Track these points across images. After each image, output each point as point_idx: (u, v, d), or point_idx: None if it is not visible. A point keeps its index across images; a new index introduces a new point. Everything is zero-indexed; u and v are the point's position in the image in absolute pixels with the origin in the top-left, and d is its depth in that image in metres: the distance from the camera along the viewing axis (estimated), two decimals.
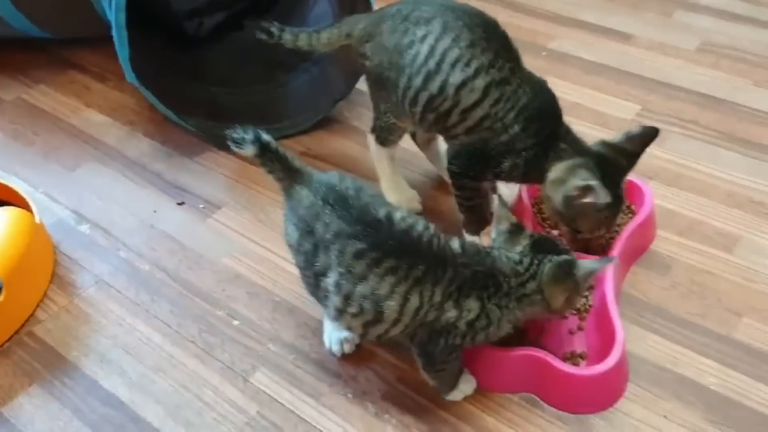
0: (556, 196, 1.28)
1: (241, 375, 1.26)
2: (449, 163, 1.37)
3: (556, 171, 1.29)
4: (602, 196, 1.22)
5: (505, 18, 2.07)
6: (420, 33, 1.28)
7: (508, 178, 1.36)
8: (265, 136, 1.14)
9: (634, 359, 1.24)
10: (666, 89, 1.81)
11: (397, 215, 1.11)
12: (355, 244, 1.07)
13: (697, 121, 1.71)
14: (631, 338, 1.27)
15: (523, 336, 1.26)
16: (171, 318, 1.36)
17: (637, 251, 1.41)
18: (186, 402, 1.22)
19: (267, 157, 1.14)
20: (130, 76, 1.59)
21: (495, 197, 1.21)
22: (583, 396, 1.18)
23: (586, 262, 1.12)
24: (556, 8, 2.14)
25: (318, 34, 1.44)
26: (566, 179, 1.27)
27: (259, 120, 1.78)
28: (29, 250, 1.39)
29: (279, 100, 1.85)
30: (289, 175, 1.15)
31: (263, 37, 1.48)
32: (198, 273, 1.44)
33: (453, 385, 1.20)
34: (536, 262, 1.14)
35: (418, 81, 1.29)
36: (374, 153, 1.52)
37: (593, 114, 1.76)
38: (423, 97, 1.30)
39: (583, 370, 1.18)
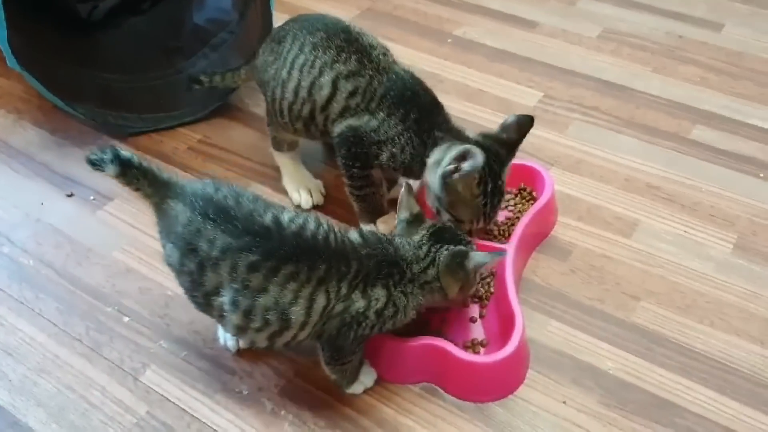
0: (434, 179, 1.26)
1: (130, 374, 1.20)
2: (336, 154, 1.37)
3: (433, 155, 1.28)
4: (478, 158, 1.18)
5: (411, 4, 2.09)
6: (277, 48, 1.39)
7: (393, 169, 1.34)
8: (125, 153, 1.05)
9: (534, 345, 1.24)
10: (568, 76, 1.83)
11: (285, 217, 1.07)
12: (248, 257, 1.02)
13: (598, 108, 1.73)
14: (532, 324, 1.27)
15: (425, 326, 1.24)
16: (57, 316, 1.29)
17: (538, 237, 1.41)
18: (71, 404, 1.16)
19: (131, 174, 1.06)
20: (11, 60, 1.49)
21: (403, 184, 1.18)
22: (482, 384, 1.17)
23: (478, 254, 1.11)
24: None
25: (238, 71, 1.57)
26: (442, 157, 1.25)
27: (155, 108, 1.72)
28: None
29: (176, 86, 1.77)
30: (158, 190, 1.07)
31: (196, 86, 1.61)
32: (87, 268, 1.37)
33: (355, 378, 1.17)
34: (434, 249, 1.12)
35: (278, 92, 1.38)
36: (274, 155, 1.52)
37: (497, 101, 1.75)
38: (285, 106, 1.38)
39: (481, 357, 1.17)
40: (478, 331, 1.25)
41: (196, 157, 1.62)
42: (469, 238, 1.18)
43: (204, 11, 1.87)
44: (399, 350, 1.19)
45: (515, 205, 1.45)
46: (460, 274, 1.12)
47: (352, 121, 1.33)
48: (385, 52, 1.37)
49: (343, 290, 1.06)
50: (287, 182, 1.52)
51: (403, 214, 1.18)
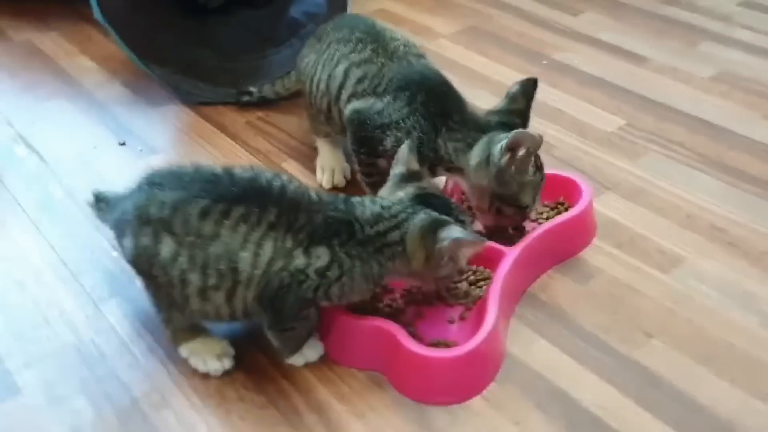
0: (488, 178, 1.18)
1: (93, 301, 1.20)
2: (349, 141, 1.33)
3: (473, 158, 1.20)
4: (536, 136, 1.14)
5: (516, 27, 2.01)
6: (315, 44, 1.41)
7: None
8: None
9: (512, 361, 1.09)
10: (661, 110, 1.64)
11: (238, 170, 1.04)
12: (198, 203, 0.99)
13: (683, 144, 1.53)
14: (517, 339, 1.12)
15: (398, 315, 1.14)
16: (57, 240, 1.33)
17: (559, 254, 1.25)
18: (29, 317, 1.18)
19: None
20: (95, 10, 1.60)
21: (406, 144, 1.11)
22: (428, 382, 1.03)
23: (458, 229, 1.00)
24: (576, 26, 2.01)
25: (288, 76, 1.65)
26: (488, 154, 1.17)
27: (231, 84, 1.76)
28: None
29: (256, 69, 1.81)
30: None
31: (246, 98, 1.71)
32: None
33: (296, 348, 1.09)
34: (409, 211, 1.03)
35: (307, 85, 1.41)
36: (315, 140, 1.51)
37: (571, 121, 1.61)
38: (311, 99, 1.40)
39: (431, 351, 1.04)
40: (452, 333, 1.12)
41: (249, 131, 1.64)
42: (464, 217, 1.07)
43: (302, 4, 1.91)
44: (348, 328, 1.09)
45: (547, 218, 1.30)
46: (429, 241, 1.00)
47: (357, 104, 1.29)
48: (407, 44, 1.33)
49: (288, 243, 1.00)
50: (318, 162, 1.49)
51: (399, 168, 1.10)
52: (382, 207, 1.04)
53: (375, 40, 1.33)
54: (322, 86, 1.36)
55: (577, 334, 1.13)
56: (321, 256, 1.00)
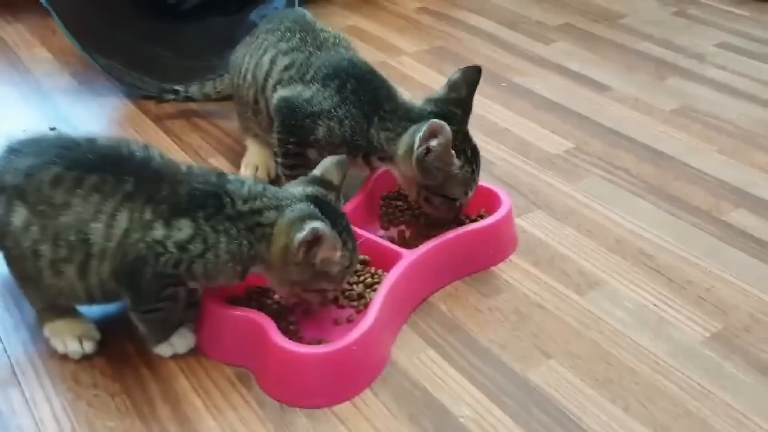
0: (411, 166, 1.13)
1: None
2: (275, 131, 1.26)
3: (400, 147, 1.16)
4: (446, 130, 1.09)
5: (484, 50, 1.96)
6: (249, 41, 1.38)
7: (332, 147, 1.20)
8: None
9: (393, 369, 1.01)
10: (613, 136, 1.57)
11: (103, 139, 1.00)
12: (50, 170, 0.94)
13: (628, 170, 1.45)
14: (405, 348, 1.04)
15: (284, 314, 1.06)
16: None
17: (468, 264, 1.17)
18: None
19: None
20: None
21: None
22: (293, 380, 0.96)
23: (322, 225, 0.92)
24: (546, 54, 1.96)
25: (221, 78, 1.58)
26: (412, 142, 1.13)
27: (179, 81, 1.72)
28: None
29: (210, 69, 1.77)
30: None
31: (171, 97, 1.61)
32: None
33: (164, 336, 1.02)
34: (292, 200, 0.97)
35: (235, 79, 1.38)
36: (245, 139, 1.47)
37: (517, 141, 1.55)
38: (240, 93, 1.36)
39: (295, 345, 0.95)
40: (334, 334, 1.04)
41: (185, 127, 1.60)
42: (348, 238, 0.99)
43: (263, 8, 1.88)
44: (217, 318, 1.02)
45: None
46: (292, 231, 0.93)
47: (284, 92, 1.25)
48: (337, 37, 1.31)
49: (147, 215, 0.93)
50: (244, 159, 1.43)
51: (315, 171, 1.04)
52: (266, 188, 0.99)
53: (304, 29, 1.30)
54: (249, 76, 1.32)
55: (470, 348, 1.04)
56: (183, 228, 0.93)
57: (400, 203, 1.30)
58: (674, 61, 1.93)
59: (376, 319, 0.98)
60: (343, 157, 1.06)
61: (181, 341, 1.02)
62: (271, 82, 1.27)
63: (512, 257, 1.21)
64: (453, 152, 1.11)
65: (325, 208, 0.97)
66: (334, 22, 2.04)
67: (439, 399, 0.97)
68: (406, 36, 2.05)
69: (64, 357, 1.01)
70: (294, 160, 1.26)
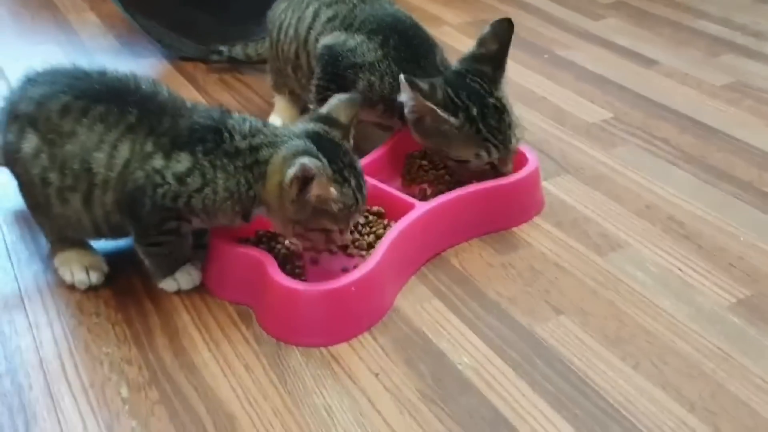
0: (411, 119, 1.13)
1: None
2: (315, 79, 1.25)
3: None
4: (409, 89, 1.07)
5: (532, 25, 1.92)
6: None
7: (369, 103, 1.19)
8: None
9: (396, 315, 0.98)
10: (657, 109, 1.50)
11: (113, 71, 1.01)
12: (59, 99, 0.96)
13: (668, 140, 1.39)
14: (410, 297, 1.02)
15: (290, 258, 1.05)
16: None
17: (487, 223, 1.13)
18: None
19: None
20: None
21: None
22: (291, 317, 0.94)
23: (313, 160, 0.90)
24: (593, 28, 1.90)
25: (263, 41, 1.55)
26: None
27: (219, 41, 1.72)
28: None
29: (250, 33, 1.77)
30: None
31: (215, 57, 1.64)
32: None
33: (168, 271, 1.02)
34: (289, 137, 0.95)
35: (274, 34, 1.35)
36: (274, 96, 1.46)
37: (554, 109, 1.50)
38: (279, 48, 1.33)
39: (294, 282, 0.94)
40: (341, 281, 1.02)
41: (217, 86, 1.61)
42: (350, 174, 0.95)
43: None
44: (220, 255, 1.01)
45: None
46: (285, 168, 0.90)
47: (327, 40, 1.23)
48: None
49: (148, 147, 0.94)
50: (271, 116, 1.43)
51: (323, 108, 1.02)
52: (266, 125, 0.98)
53: None
54: (291, 31, 1.30)
55: (477, 300, 1.01)
56: (182, 161, 0.93)
57: (424, 162, 1.27)
58: (731, 38, 1.84)
59: (378, 264, 0.96)
60: (354, 95, 1.04)
61: (185, 277, 1.02)
62: (313, 34, 1.25)
63: (536, 220, 1.17)
64: (445, 115, 1.08)
65: (325, 145, 0.95)
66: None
67: (438, 346, 0.94)
68: (449, 7, 2.01)
69: (71, 287, 1.03)
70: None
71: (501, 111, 1.12)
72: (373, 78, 1.18)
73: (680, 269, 1.06)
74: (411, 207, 1.07)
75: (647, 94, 1.57)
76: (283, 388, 0.88)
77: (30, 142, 0.95)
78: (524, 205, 1.17)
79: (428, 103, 1.07)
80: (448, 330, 0.96)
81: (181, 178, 0.93)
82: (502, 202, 1.14)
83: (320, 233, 0.96)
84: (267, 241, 1.08)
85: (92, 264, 1.03)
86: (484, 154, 1.11)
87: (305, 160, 0.88)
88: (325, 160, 0.91)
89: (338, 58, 1.20)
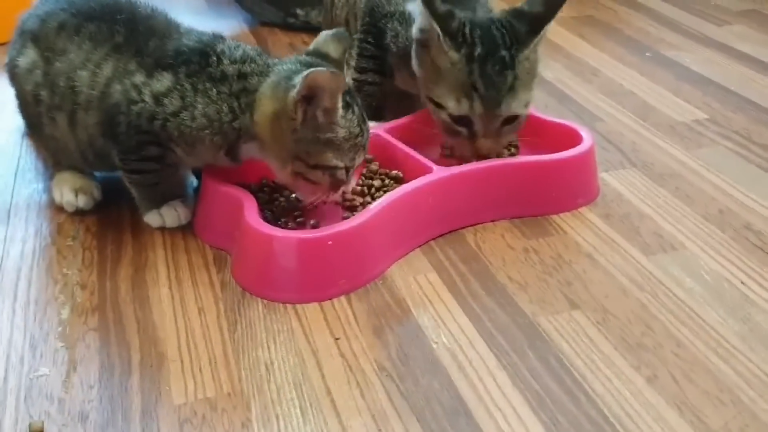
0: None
1: None
2: (354, 39, 1.16)
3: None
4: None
5: (639, 23, 1.73)
6: None
7: (399, 57, 1.10)
8: None
9: (383, 282, 0.87)
10: (763, 114, 1.29)
11: None
12: (58, 17, 0.93)
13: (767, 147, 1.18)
14: (407, 267, 0.90)
15: (287, 212, 0.95)
16: None
17: (519, 203, 0.98)
18: None
19: None
20: None
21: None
22: (260, 265, 0.84)
23: (308, 70, 0.80)
24: (712, 33, 1.68)
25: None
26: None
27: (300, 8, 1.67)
28: None
29: None
30: None
31: (291, 20, 1.61)
32: None
33: (153, 203, 0.95)
34: (279, 66, 0.87)
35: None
36: None
37: (639, 104, 1.32)
38: (334, 14, 1.26)
39: (267, 227, 0.83)
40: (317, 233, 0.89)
41: (287, 52, 1.55)
42: (352, 99, 0.86)
43: None
44: (205, 194, 0.93)
45: None
46: (281, 87, 0.82)
47: None
48: None
49: (131, 66, 0.89)
50: None
51: (311, 45, 0.93)
52: (260, 54, 0.89)
53: None
54: None
55: (481, 280, 0.87)
56: (162, 80, 0.87)
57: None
58: None
59: (364, 222, 0.84)
60: (341, 30, 0.94)
61: (171, 214, 0.94)
62: None
63: (583, 212, 1.01)
64: (447, 44, 0.95)
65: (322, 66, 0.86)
66: None
67: (417, 320, 0.80)
68: None
69: (61, 208, 0.98)
70: (367, 62, 1.15)
71: (507, 67, 0.95)
72: (399, 27, 1.08)
73: (742, 282, 0.87)
74: (427, 170, 0.95)
75: (754, 98, 1.35)
76: (230, 336, 0.78)
77: (27, 58, 0.93)
78: (569, 189, 1.01)
79: (435, 24, 0.94)
80: (435, 305, 0.83)
81: (157, 98, 0.86)
82: (541, 182, 0.99)
83: (323, 172, 0.85)
84: (269, 191, 0.99)
85: (83, 188, 0.98)
86: (465, 102, 0.95)
87: (308, 71, 0.79)
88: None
89: (374, 8, 1.12)
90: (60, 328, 0.78)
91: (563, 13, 1.85)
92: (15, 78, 0.95)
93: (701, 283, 0.87)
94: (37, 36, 0.93)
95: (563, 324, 0.80)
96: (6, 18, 1.02)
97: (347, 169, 0.87)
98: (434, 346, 0.77)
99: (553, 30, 1.68)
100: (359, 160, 0.88)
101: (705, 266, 0.90)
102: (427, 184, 0.92)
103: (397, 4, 1.10)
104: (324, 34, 0.93)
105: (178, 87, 0.86)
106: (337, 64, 0.90)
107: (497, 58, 0.95)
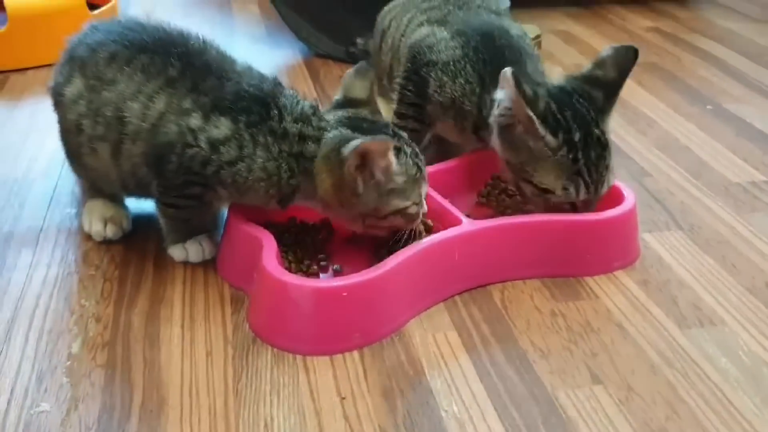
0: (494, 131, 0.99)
1: None
2: (396, 83, 1.16)
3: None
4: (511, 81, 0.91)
5: (703, 72, 1.67)
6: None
7: (441, 110, 1.09)
8: None
9: (398, 340, 0.84)
10: None
11: (167, 25, 0.95)
12: (109, 47, 0.92)
13: None
14: (426, 323, 0.87)
15: (312, 253, 0.94)
16: None
17: (551, 263, 0.94)
18: None
19: None
20: None
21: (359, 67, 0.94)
22: (270, 309, 0.82)
23: (363, 138, 0.81)
24: None
25: None
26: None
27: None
28: None
29: None
30: None
31: (352, 49, 1.61)
32: None
33: (180, 237, 0.95)
34: (330, 126, 0.87)
35: (376, 39, 1.28)
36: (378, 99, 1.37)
37: (693, 161, 1.26)
38: (381, 57, 1.26)
39: (280, 270, 0.81)
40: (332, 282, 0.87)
41: (335, 83, 1.52)
42: (394, 133, 0.87)
43: None
44: (228, 230, 0.92)
45: None
46: (334, 161, 0.83)
47: (412, 36, 1.14)
48: (483, 3, 1.16)
49: (186, 103, 0.87)
50: None
51: (338, 95, 0.93)
52: (315, 112, 0.89)
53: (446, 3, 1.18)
54: (389, 41, 1.22)
55: (502, 344, 0.83)
56: (220, 127, 0.86)
57: (512, 188, 1.10)
58: None
59: (382, 274, 0.82)
60: (361, 64, 0.94)
61: (196, 249, 0.94)
62: (404, 41, 1.16)
63: (617, 275, 0.96)
64: (544, 130, 0.92)
65: (362, 125, 0.87)
66: (543, 24, 1.88)
67: (429, 383, 0.77)
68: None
69: (89, 236, 0.99)
70: (407, 109, 1.14)
71: (604, 147, 0.95)
72: (445, 78, 1.05)
73: None
74: (456, 222, 0.92)
75: None
76: (234, 385, 0.76)
77: (73, 88, 0.93)
78: (605, 251, 0.97)
79: (528, 110, 0.91)
80: (451, 368, 0.79)
81: (214, 145, 0.85)
82: (575, 242, 0.95)
83: (395, 215, 0.86)
84: (296, 231, 0.97)
85: (113, 218, 0.98)
86: (572, 189, 0.93)
87: (352, 143, 0.80)
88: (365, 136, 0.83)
89: (416, 54, 1.10)
90: (68, 363, 0.78)
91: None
92: (59, 106, 0.95)
93: (738, 365, 0.81)
94: (85, 64, 0.93)
95: (583, 400, 0.76)
96: (55, 39, 1.02)
97: (417, 203, 0.87)
98: (443, 414, 0.73)
99: None
100: (425, 188, 0.89)
101: (744, 346, 0.84)
102: (455, 237, 0.89)
103: (440, 52, 1.07)
104: (348, 75, 0.93)
105: (237, 136, 0.85)
106: (367, 103, 0.90)
107: (594, 139, 0.94)
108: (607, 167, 0.95)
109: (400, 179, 0.84)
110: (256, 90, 0.88)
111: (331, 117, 0.89)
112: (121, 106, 0.89)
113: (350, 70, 0.94)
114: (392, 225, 0.87)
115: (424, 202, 0.89)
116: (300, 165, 0.85)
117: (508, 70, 0.92)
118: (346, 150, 0.80)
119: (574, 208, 0.96)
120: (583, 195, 0.94)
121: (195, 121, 0.86)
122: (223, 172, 0.86)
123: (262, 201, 0.89)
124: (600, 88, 0.98)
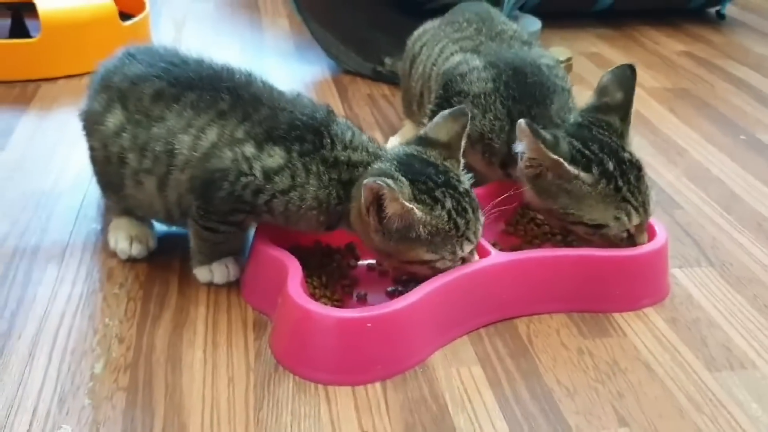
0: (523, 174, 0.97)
1: None
2: (428, 108, 1.14)
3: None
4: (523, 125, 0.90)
5: (736, 101, 1.64)
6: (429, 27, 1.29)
7: (469, 142, 1.05)
8: None
9: (421, 373, 0.83)
10: None
11: (209, 60, 0.95)
12: (154, 84, 0.92)
13: None
14: (451, 356, 0.86)
15: (336, 278, 0.93)
16: None
17: (579, 298, 0.92)
18: None
19: None
20: None
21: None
22: (293, 338, 0.82)
23: (380, 178, 0.79)
24: None
25: None
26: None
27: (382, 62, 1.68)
28: None
29: None
30: None
31: (379, 68, 1.64)
32: None
33: (208, 257, 0.94)
34: (384, 158, 0.86)
35: (407, 63, 1.28)
36: (405, 121, 1.39)
37: (725, 193, 1.24)
38: (411, 83, 1.26)
39: (302, 297, 0.81)
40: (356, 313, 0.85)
41: (363, 101, 1.56)
42: (443, 182, 0.84)
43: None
44: (254, 254, 0.91)
45: None
46: (359, 194, 0.82)
47: (446, 64, 1.13)
48: (516, 31, 1.17)
49: (239, 134, 0.87)
50: (396, 135, 1.33)
51: (423, 129, 0.93)
52: (368, 141, 0.89)
53: (482, 20, 1.19)
54: (420, 68, 1.22)
55: (527, 381, 0.82)
56: (274, 156, 0.86)
57: (540, 217, 1.09)
58: None
59: (407, 306, 0.81)
60: (461, 107, 0.92)
61: (221, 270, 0.93)
62: (435, 70, 1.16)
63: (647, 313, 0.94)
64: (575, 169, 0.91)
65: (414, 166, 0.85)
66: (574, 46, 1.87)
67: (453, 419, 0.76)
68: (651, 71, 1.79)
69: (114, 253, 0.99)
70: None
71: (638, 167, 0.95)
72: (475, 111, 1.04)
73: None
74: (485, 255, 0.90)
75: None
76: (255, 415, 0.75)
77: (114, 119, 0.92)
78: (634, 288, 0.95)
79: (552, 155, 0.90)
80: (475, 405, 0.78)
81: (268, 174, 0.85)
82: (604, 278, 0.93)
83: (420, 265, 0.84)
84: (320, 254, 0.97)
85: (139, 236, 0.98)
86: (624, 217, 0.92)
87: (369, 180, 0.78)
88: (403, 179, 0.81)
89: (448, 81, 1.09)
90: (91, 384, 0.78)
91: (656, 82, 1.79)
92: (95, 134, 0.95)
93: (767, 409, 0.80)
94: (125, 97, 0.92)
95: None
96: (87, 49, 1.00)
97: (450, 259, 0.84)
98: None
99: (643, 100, 1.65)
100: (468, 247, 0.85)
101: None
102: (482, 269, 0.88)
103: (471, 83, 1.06)
104: (441, 115, 0.91)
105: (290, 165, 0.85)
106: (448, 147, 0.88)
107: (627, 162, 0.93)
108: (647, 186, 0.95)
109: (423, 230, 0.81)
110: (309, 119, 0.88)
111: (392, 149, 0.89)
112: (170, 140, 0.89)
113: (446, 111, 0.91)
114: (417, 273, 0.86)
115: (475, 254, 0.87)
116: (348, 190, 0.85)
117: (522, 122, 0.91)
118: (363, 183, 0.79)
119: (629, 237, 0.94)
120: (635, 220, 0.93)
121: (249, 149, 0.86)
122: (275, 201, 0.86)
123: (311, 227, 0.89)
124: (612, 113, 0.98)
